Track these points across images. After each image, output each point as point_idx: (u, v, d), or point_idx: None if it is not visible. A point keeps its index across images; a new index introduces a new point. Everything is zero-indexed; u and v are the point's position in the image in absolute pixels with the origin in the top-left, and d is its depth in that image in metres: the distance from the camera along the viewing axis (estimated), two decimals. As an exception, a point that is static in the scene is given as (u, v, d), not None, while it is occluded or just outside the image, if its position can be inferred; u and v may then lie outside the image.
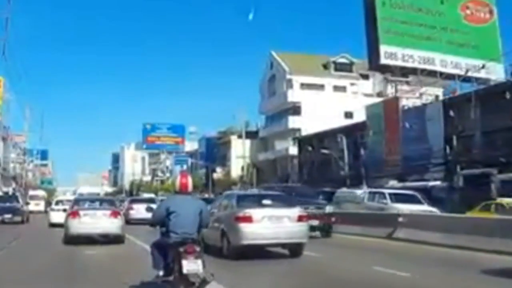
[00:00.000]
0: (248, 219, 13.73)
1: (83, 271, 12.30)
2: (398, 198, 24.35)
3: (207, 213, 8.89)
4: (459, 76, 44.18)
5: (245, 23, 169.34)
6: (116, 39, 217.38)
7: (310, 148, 56.39)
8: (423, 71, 43.90)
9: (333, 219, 20.53)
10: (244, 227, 13.66)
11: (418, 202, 24.08)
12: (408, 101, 44.06)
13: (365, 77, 73.29)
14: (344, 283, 10.88)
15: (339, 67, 72.75)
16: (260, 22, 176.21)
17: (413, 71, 43.98)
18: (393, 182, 40.05)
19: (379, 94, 69.91)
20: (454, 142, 36.55)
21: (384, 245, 17.61)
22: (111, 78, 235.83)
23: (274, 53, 75.28)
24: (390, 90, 45.15)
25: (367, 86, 72.10)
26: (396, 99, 43.18)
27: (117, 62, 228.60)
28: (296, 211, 14.52)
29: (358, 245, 18.23)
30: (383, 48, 43.08)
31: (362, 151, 46.77)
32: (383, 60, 42.92)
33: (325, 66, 73.22)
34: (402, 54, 43.56)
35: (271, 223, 13.91)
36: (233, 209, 14.45)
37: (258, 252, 14.05)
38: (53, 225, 27.44)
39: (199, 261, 7.67)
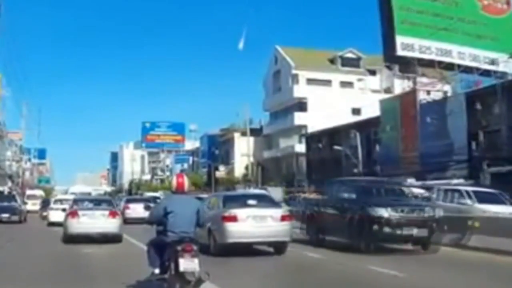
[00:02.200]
0: (233, 219, 14.40)
1: (80, 269, 12.41)
2: (480, 197, 19.92)
3: (204, 212, 9.03)
4: (477, 69, 42.08)
5: (246, 20, 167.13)
6: (116, 38, 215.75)
7: (320, 145, 53.95)
8: (440, 63, 41.58)
9: (435, 225, 15.02)
10: (230, 226, 14.32)
11: (501, 202, 20.02)
12: (423, 95, 41.87)
13: (373, 72, 71.36)
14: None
15: (346, 62, 70.70)
16: (262, 19, 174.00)
17: (431, 63, 41.66)
18: (411, 180, 37.91)
19: (386, 90, 68.02)
20: (481, 137, 34.27)
21: (464, 257, 14.28)
22: (111, 76, 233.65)
23: (278, 48, 73.15)
24: (406, 84, 42.66)
25: (375, 82, 70.22)
26: (413, 93, 40.87)
27: (117, 61, 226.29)
28: (279, 211, 15.29)
29: (436, 258, 14.23)
30: (399, 39, 40.74)
31: (377, 148, 44.38)
32: (400, 52, 40.57)
33: (332, 61, 71.17)
34: (419, 46, 41.22)
35: (255, 222, 14.54)
36: (219, 209, 15.06)
37: (246, 250, 14.49)
38: (52, 224, 27.63)
39: (196, 260, 7.72)
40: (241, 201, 15.64)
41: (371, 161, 45.09)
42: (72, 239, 18.59)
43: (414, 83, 40.23)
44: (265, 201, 16.33)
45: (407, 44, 40.93)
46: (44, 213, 37.40)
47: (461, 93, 39.21)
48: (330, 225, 15.38)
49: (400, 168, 40.54)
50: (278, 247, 14.95)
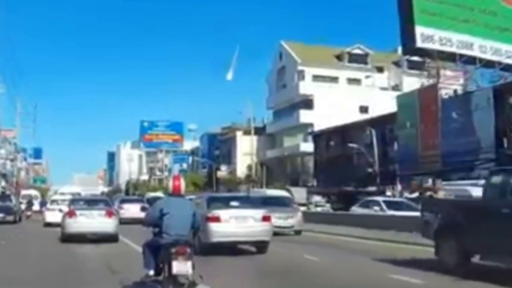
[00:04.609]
0: (216, 219, 15.16)
1: (75, 270, 12.41)
2: None
3: (199, 214, 9.10)
4: (499, 63, 39.74)
5: (248, 17, 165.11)
6: (114, 36, 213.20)
7: (332, 143, 51.38)
8: (461, 56, 39.07)
9: None
10: (213, 226, 15.02)
11: None
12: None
13: (380, 69, 69.15)
14: None
15: (354, 59, 68.40)
16: (264, 16, 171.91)
17: (451, 56, 39.13)
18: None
19: (394, 88, 65.83)
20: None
21: None
22: (109, 75, 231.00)
23: (284, 43, 70.70)
24: (424, 78, 40.10)
25: (382, 79, 68.09)
26: (434, 87, 38.28)
27: (115, 59, 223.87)
28: (260, 212, 16.04)
29: None
30: (419, 30, 38.16)
31: (395, 146, 41.74)
32: (419, 43, 37.99)
33: (339, 57, 68.85)
34: (439, 37, 38.66)
35: (237, 222, 15.38)
36: (203, 210, 15.15)
37: (232, 250, 15.22)
38: (49, 225, 27.97)
39: (189, 263, 7.71)
40: (224, 202, 16.50)
41: (387, 159, 42.54)
42: (69, 238, 19.11)
43: (438, 76, 37.53)
44: (247, 202, 17.44)
45: (427, 36, 38.37)
46: (28, 213, 39.33)
47: (488, 87, 36.63)
48: (500, 244, 10.23)
49: (418, 167, 38.05)
50: (260, 247, 15.76)
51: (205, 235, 14.65)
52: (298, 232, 23.52)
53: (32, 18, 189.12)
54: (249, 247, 16.14)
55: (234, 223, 15.34)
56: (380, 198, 28.83)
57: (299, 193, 38.54)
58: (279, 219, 22.39)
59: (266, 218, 15.89)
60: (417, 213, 23.83)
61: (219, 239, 15.04)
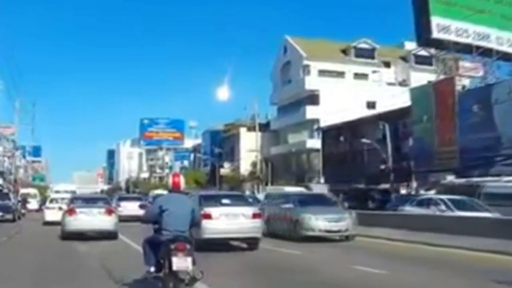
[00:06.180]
0: (208, 216, 15.60)
1: (76, 267, 12.40)
2: None
3: (198, 211, 9.36)
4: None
5: (250, 14, 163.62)
6: (114, 34, 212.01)
7: (342, 138, 49.57)
8: (478, 48, 37.51)
9: None
10: (205, 223, 15.21)
11: None
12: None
13: (387, 64, 67.54)
14: None
15: (360, 53, 66.61)
16: (266, 14, 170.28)
17: (467, 47, 37.59)
18: (451, 178, 33.75)
19: (401, 83, 64.29)
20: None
21: None
22: (108, 73, 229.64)
23: (288, 38, 68.93)
24: (441, 69, 38.51)
25: (389, 74, 66.53)
26: (450, 80, 36.69)
27: (114, 57, 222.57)
28: (251, 210, 16.60)
29: None
30: (435, 20, 36.68)
31: (410, 142, 40.04)
32: (435, 34, 36.48)
33: (345, 52, 67.08)
34: (456, 28, 37.18)
35: (228, 219, 15.96)
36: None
37: (226, 247, 15.92)
38: (48, 223, 27.73)
39: (189, 259, 7.76)
40: (216, 200, 17.04)
41: (400, 155, 40.87)
42: (69, 236, 19.32)
43: (456, 69, 35.88)
44: (238, 200, 17.82)
45: (443, 26, 36.88)
46: (22, 211, 39.05)
47: (509, 79, 35.03)
48: None
49: (434, 164, 36.43)
50: (251, 243, 16.31)
51: (197, 232, 14.64)
52: (349, 237, 19.82)
53: (32, 18, 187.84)
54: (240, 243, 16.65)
55: (225, 220, 15.89)
56: (442, 196, 23.98)
57: (320, 189, 36.05)
58: (324, 221, 19.26)
59: (256, 215, 16.42)
60: (488, 214, 20.37)
61: (210, 235, 15.52)
